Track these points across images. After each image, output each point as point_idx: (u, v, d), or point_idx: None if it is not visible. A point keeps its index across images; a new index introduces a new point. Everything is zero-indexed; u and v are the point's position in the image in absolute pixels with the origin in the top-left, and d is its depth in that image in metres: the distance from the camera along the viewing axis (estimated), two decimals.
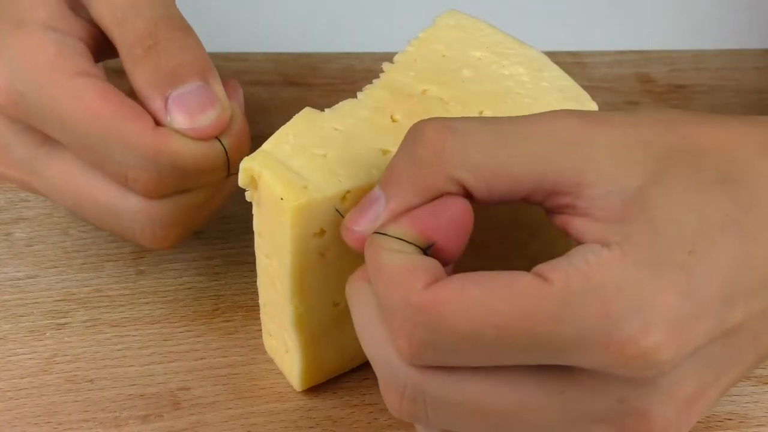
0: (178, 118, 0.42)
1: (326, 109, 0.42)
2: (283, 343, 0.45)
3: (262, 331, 0.47)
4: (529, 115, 0.37)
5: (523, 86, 0.45)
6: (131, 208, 0.44)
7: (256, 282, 0.45)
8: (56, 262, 0.51)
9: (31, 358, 0.47)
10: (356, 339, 0.44)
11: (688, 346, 0.34)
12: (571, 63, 0.65)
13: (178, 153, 0.42)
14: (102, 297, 0.50)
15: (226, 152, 0.43)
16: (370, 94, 0.43)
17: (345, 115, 0.42)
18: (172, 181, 0.43)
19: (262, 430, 0.44)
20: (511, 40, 0.47)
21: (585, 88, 0.46)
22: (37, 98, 0.43)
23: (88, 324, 0.48)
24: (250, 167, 0.40)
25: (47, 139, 0.44)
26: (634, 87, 0.64)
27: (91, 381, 0.46)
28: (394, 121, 0.42)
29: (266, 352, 0.47)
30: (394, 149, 0.41)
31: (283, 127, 0.41)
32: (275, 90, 0.62)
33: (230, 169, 0.43)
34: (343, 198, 0.40)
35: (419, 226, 0.36)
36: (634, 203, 0.35)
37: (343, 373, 0.46)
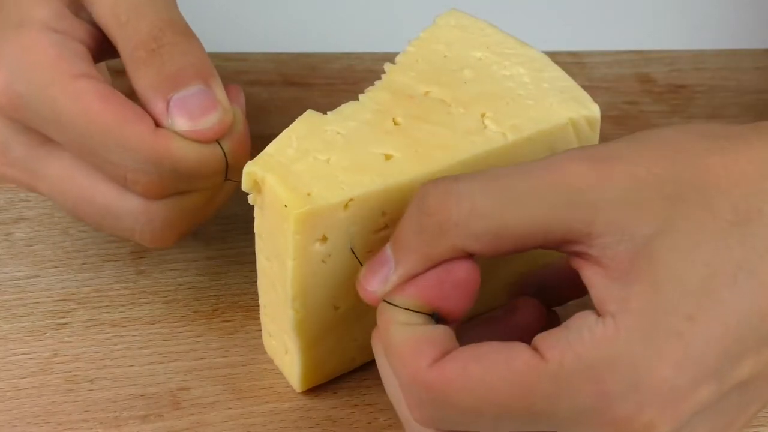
0: (180, 121, 0.42)
1: (328, 112, 0.42)
2: (282, 345, 0.45)
3: (262, 331, 0.47)
4: (536, 163, 0.37)
5: (523, 87, 0.44)
6: (130, 209, 0.44)
7: (256, 282, 0.45)
8: (56, 262, 0.51)
9: (31, 358, 0.47)
10: (356, 341, 0.45)
11: (687, 414, 0.34)
12: (571, 63, 0.65)
13: (178, 155, 0.42)
14: (102, 297, 0.50)
15: (226, 156, 0.43)
16: (371, 96, 0.43)
17: (347, 117, 0.42)
18: (171, 183, 0.43)
19: (262, 430, 0.44)
20: (511, 40, 0.47)
21: (585, 88, 0.46)
22: (37, 100, 0.42)
23: (88, 324, 0.48)
24: (253, 171, 0.40)
25: (46, 140, 0.44)
26: (634, 87, 0.64)
27: (91, 381, 0.46)
28: (396, 124, 0.42)
29: (266, 352, 0.47)
30: (396, 153, 0.41)
31: (285, 130, 0.41)
32: (275, 90, 0.62)
33: (228, 172, 0.44)
34: (346, 206, 0.40)
35: (424, 296, 0.37)
36: (642, 257, 0.34)
37: (342, 374, 0.46)
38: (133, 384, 0.46)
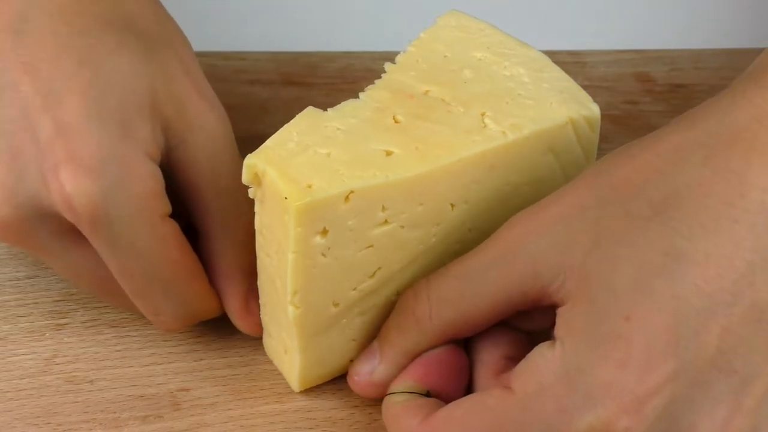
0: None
1: (329, 109, 0.42)
2: (282, 344, 0.45)
3: (263, 332, 0.47)
4: (490, 237, 0.40)
5: (523, 87, 0.45)
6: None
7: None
8: None
9: (30, 359, 0.47)
10: (355, 341, 0.45)
11: (652, 408, 0.35)
12: (571, 63, 0.65)
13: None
14: None
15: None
16: (371, 95, 0.43)
17: (347, 115, 0.42)
18: (186, 329, 0.47)
19: (262, 431, 0.44)
20: (512, 41, 0.47)
21: (585, 87, 0.46)
22: (120, 226, 0.42)
23: (88, 324, 0.48)
24: (253, 164, 0.40)
25: (73, 229, 0.43)
26: (634, 87, 0.64)
27: (91, 382, 0.46)
28: (396, 122, 0.42)
29: (266, 353, 0.47)
30: (396, 150, 0.41)
31: (286, 125, 0.42)
32: (275, 89, 0.62)
33: None
34: (347, 198, 0.40)
35: (414, 376, 0.42)
36: (581, 280, 0.37)
37: (342, 374, 0.46)
38: (133, 385, 0.46)
